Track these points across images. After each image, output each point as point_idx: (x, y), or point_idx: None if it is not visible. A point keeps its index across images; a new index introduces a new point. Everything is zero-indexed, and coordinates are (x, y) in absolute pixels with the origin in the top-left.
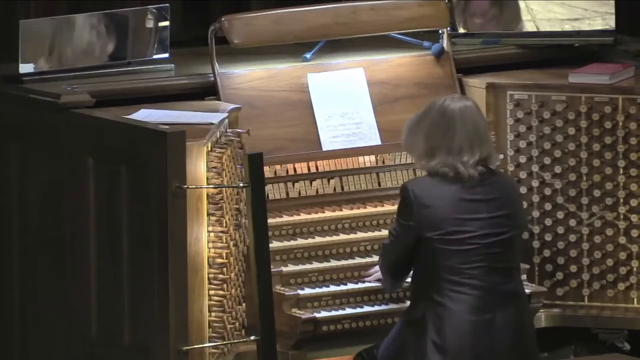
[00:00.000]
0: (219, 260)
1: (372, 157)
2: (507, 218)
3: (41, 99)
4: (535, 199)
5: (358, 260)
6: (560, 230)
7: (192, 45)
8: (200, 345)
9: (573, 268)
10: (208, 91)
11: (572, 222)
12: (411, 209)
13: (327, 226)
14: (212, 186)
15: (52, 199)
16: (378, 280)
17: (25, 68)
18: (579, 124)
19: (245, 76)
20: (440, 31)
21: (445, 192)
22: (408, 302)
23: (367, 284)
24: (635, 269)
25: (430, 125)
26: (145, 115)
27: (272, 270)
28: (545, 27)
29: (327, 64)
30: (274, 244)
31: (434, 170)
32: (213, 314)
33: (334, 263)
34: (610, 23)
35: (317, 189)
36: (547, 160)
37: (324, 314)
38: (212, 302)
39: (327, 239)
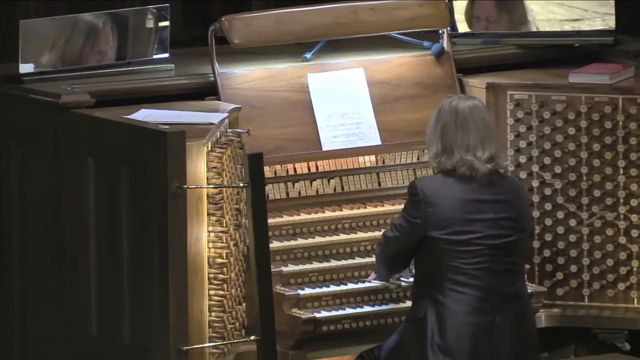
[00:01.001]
0: (219, 260)
1: (372, 157)
2: (512, 221)
3: (41, 99)
4: (535, 199)
5: (358, 260)
6: (561, 230)
7: (192, 45)
8: (200, 345)
9: (573, 268)
10: (208, 91)
11: (572, 222)
12: (419, 206)
13: (327, 226)
14: (212, 186)
15: (52, 199)
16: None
17: (25, 68)
18: (579, 124)
19: (245, 76)
20: (440, 31)
21: (453, 191)
22: (408, 302)
23: (367, 284)
24: (635, 269)
25: (444, 125)
26: (145, 115)
27: (272, 270)
28: (545, 28)
29: (327, 64)
30: (274, 244)
31: (451, 168)
32: (213, 314)
33: (334, 263)
34: (610, 24)
35: (317, 189)
36: (547, 160)
37: (324, 314)
38: (212, 302)
39: (327, 239)
